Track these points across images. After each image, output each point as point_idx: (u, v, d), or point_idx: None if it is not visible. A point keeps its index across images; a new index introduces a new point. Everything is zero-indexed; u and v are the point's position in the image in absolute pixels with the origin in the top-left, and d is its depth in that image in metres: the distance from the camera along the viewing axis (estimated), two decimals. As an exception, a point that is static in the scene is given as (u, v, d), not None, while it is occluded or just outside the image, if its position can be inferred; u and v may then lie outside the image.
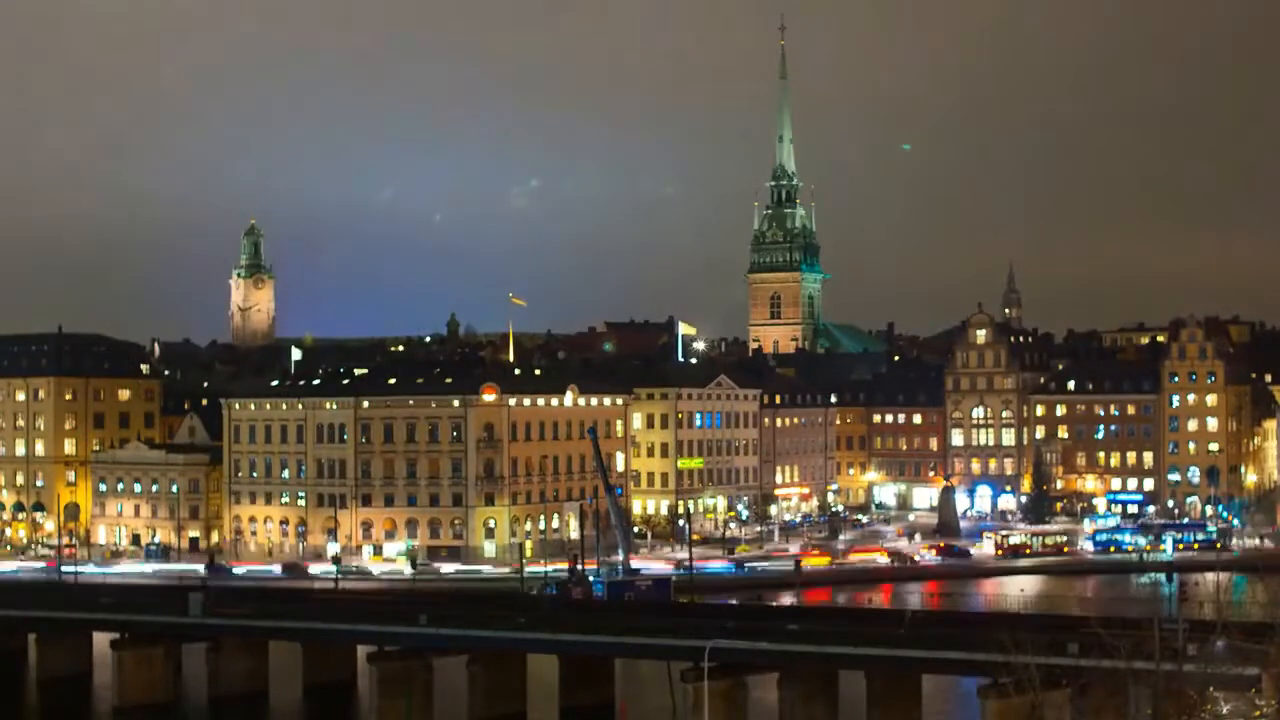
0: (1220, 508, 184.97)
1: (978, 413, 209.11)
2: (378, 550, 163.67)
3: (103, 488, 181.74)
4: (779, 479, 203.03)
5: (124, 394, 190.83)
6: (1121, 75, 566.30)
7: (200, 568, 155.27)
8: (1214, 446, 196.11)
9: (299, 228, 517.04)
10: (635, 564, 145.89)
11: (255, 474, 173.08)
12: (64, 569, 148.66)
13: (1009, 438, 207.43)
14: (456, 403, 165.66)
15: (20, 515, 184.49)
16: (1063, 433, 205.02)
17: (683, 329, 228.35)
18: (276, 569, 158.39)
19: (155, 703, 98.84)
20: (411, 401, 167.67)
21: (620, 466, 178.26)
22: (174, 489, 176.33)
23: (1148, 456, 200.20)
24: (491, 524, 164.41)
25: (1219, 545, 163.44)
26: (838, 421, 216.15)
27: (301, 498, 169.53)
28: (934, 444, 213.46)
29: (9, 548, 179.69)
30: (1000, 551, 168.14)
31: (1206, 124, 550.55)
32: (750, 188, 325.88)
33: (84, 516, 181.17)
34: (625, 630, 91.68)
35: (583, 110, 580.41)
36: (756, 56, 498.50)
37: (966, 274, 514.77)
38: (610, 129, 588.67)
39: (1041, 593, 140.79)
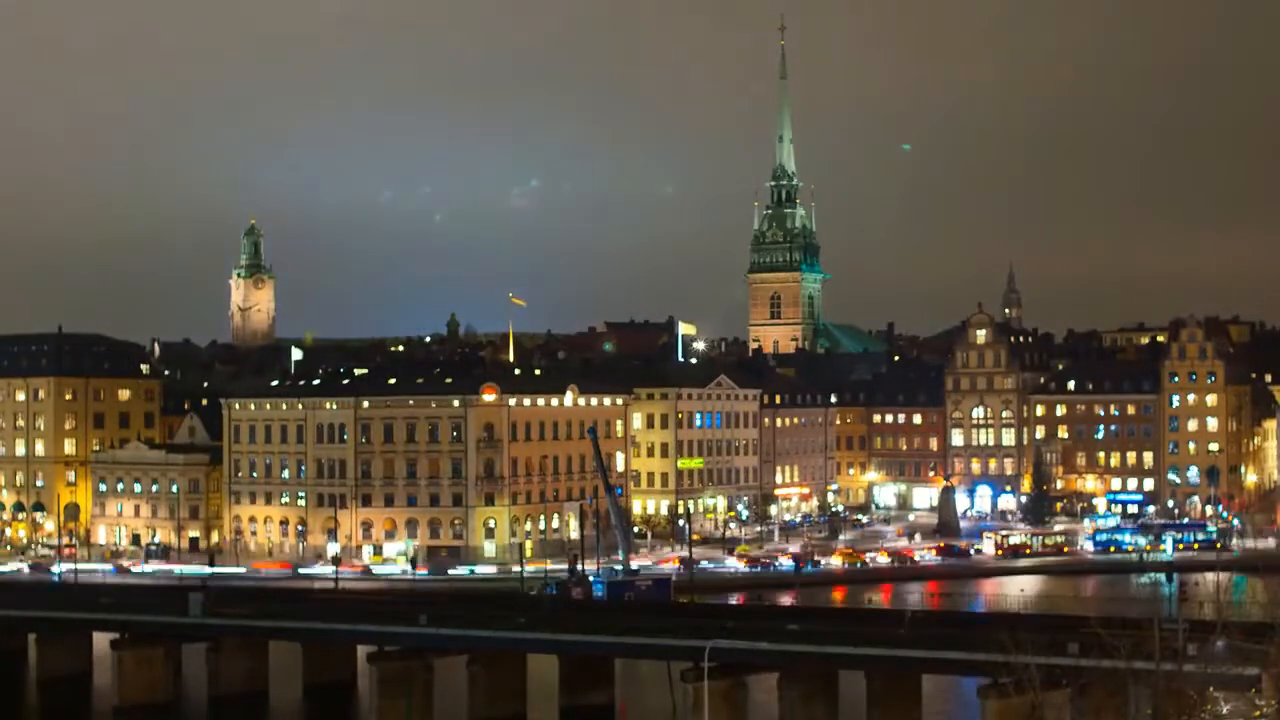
0: (1219, 508, 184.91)
1: (978, 413, 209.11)
2: (378, 550, 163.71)
3: (103, 488, 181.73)
4: (779, 479, 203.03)
5: (124, 394, 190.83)
6: (1122, 75, 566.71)
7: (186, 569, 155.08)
8: (1214, 446, 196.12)
9: (299, 228, 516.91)
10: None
11: (255, 474, 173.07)
12: (71, 569, 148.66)
13: (1009, 438, 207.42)
14: (456, 403, 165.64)
15: (20, 515, 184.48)
16: (1063, 433, 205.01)
17: (683, 329, 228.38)
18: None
19: (155, 703, 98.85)
20: (411, 401, 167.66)
21: (620, 466, 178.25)
22: (174, 489, 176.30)
23: (1148, 456, 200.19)
24: (491, 524, 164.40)
25: (1219, 545, 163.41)
26: (838, 421, 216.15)
27: (301, 498, 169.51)
28: (934, 444, 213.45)
29: (9, 548, 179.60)
30: (1000, 551, 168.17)
31: (1206, 124, 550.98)
32: (750, 188, 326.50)
33: (84, 516, 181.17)
34: (625, 630, 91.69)
35: (583, 110, 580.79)
36: (756, 56, 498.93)
37: (966, 274, 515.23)
38: (610, 129, 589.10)
39: (1041, 593, 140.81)
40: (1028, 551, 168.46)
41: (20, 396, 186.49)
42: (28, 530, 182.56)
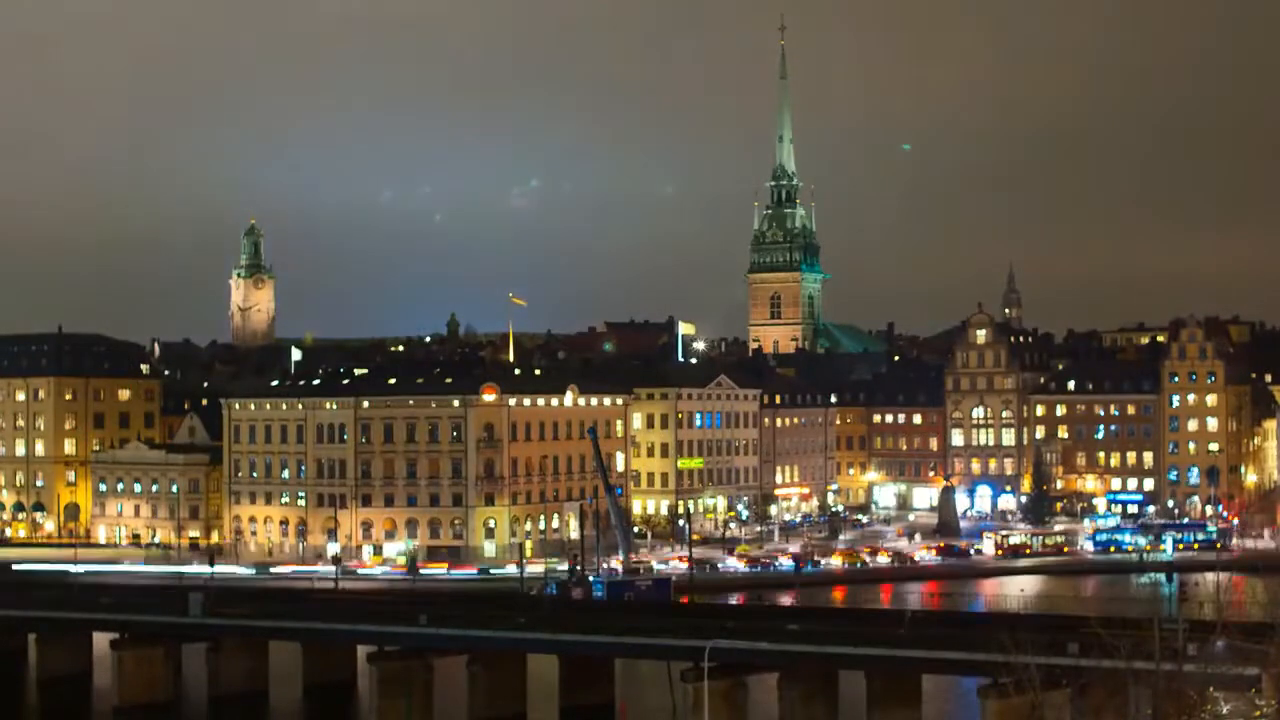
0: (1219, 508, 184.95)
1: (978, 413, 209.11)
2: (378, 550, 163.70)
3: (103, 488, 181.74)
4: (779, 479, 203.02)
5: (124, 394, 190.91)
6: (1122, 75, 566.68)
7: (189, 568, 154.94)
8: (1214, 446, 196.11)
9: (299, 228, 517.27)
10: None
11: (255, 474, 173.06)
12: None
13: (1009, 438, 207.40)
14: (456, 403, 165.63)
15: (20, 515, 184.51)
16: (1063, 433, 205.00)
17: (683, 329, 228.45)
18: None
19: (155, 703, 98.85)
20: (411, 401, 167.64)
21: (620, 466, 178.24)
22: (174, 489, 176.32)
23: (1148, 456, 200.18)
24: (491, 524, 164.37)
25: (1219, 545, 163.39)
26: (838, 421, 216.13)
27: (301, 498, 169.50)
28: (934, 444, 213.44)
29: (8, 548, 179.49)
30: (1000, 551, 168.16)
31: (1206, 124, 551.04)
32: (750, 188, 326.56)
33: (84, 516, 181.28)
34: (625, 630, 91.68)
35: (583, 110, 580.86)
36: (756, 56, 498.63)
37: (966, 274, 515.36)
38: (610, 129, 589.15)
39: (1041, 593, 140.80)
40: (1028, 551, 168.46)
41: (20, 396, 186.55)
42: (28, 530, 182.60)
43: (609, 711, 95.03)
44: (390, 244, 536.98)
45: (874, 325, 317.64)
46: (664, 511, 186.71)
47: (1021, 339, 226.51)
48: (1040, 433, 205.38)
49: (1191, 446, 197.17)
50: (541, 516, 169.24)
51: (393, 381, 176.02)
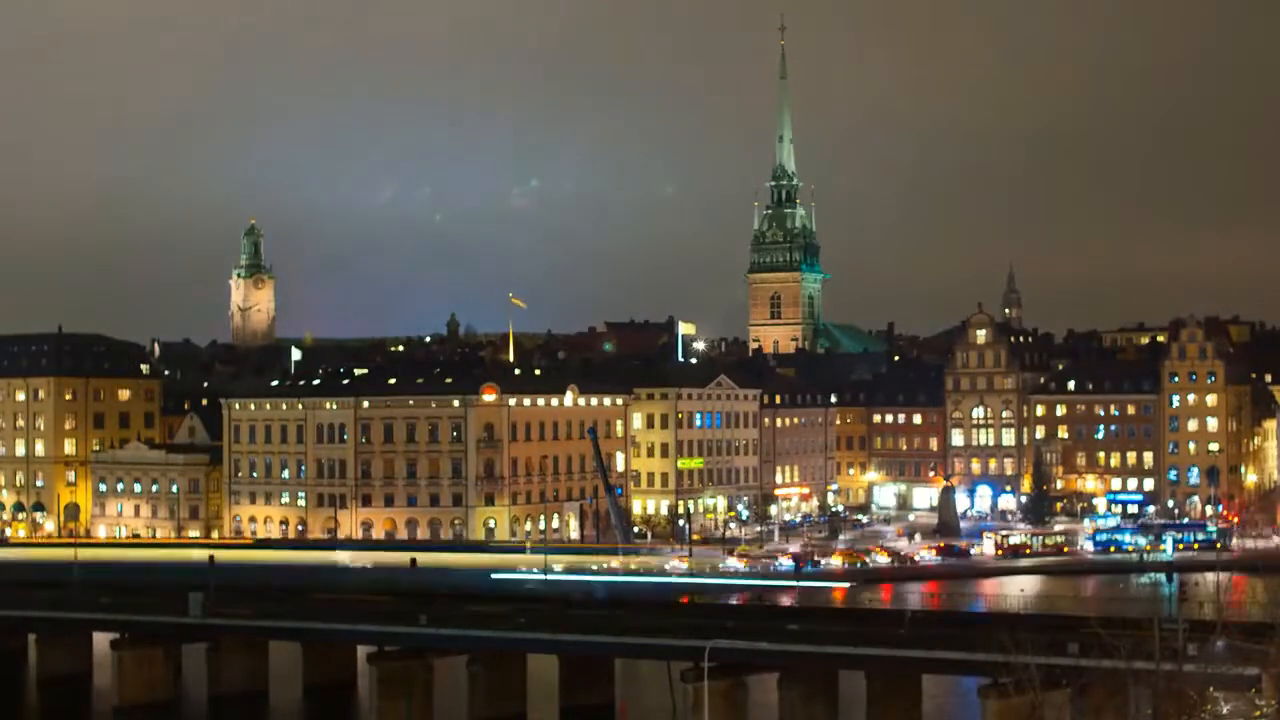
0: (1219, 508, 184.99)
1: (978, 413, 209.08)
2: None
3: (103, 488, 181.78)
4: (779, 479, 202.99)
5: (124, 394, 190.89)
6: (1122, 75, 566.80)
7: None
8: (1214, 446, 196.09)
9: (299, 228, 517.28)
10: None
11: (255, 474, 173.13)
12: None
13: (1009, 438, 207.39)
14: (456, 403, 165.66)
15: (20, 515, 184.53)
16: (1063, 433, 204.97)
17: (683, 329, 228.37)
18: None
19: (155, 702, 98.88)
20: (411, 401, 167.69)
21: (620, 466, 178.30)
22: (174, 489, 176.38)
23: (1148, 456, 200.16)
24: (491, 524, 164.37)
25: (1219, 545, 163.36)
26: (838, 421, 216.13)
27: (301, 498, 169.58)
28: (934, 444, 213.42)
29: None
30: (1000, 551, 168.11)
31: (1206, 124, 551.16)
32: (750, 188, 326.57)
33: (84, 516, 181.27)
34: (625, 630, 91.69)
35: (582, 110, 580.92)
36: (756, 56, 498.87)
37: (966, 274, 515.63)
38: (610, 129, 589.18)
39: (1041, 593, 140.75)
40: (1028, 551, 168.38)
41: (20, 396, 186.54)
42: (28, 530, 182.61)
43: (609, 711, 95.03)
44: (390, 244, 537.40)
45: (874, 325, 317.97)
46: (664, 511, 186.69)
47: (1021, 339, 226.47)
48: (1040, 433, 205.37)
49: (1191, 446, 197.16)
50: (541, 516, 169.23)
51: (393, 381, 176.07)
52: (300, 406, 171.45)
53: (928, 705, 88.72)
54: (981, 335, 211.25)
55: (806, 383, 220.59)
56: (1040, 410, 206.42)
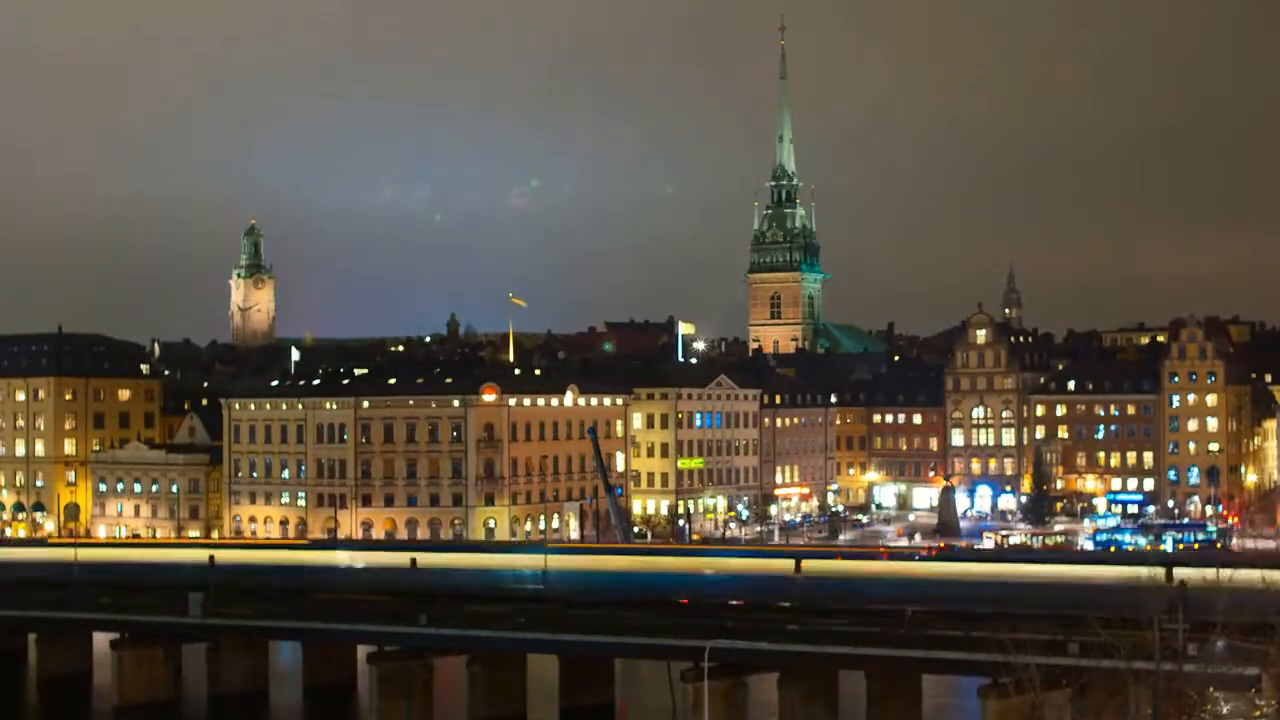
0: (1219, 508, 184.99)
1: (978, 413, 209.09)
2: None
3: (103, 488, 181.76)
4: (779, 479, 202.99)
5: (124, 394, 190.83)
6: (1122, 76, 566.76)
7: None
8: (1214, 446, 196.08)
9: (299, 228, 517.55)
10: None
11: (255, 474, 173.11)
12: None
13: (1009, 438, 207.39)
14: (456, 403, 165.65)
15: (20, 515, 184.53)
16: (1063, 433, 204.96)
17: (683, 329, 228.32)
18: None
19: (155, 702, 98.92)
20: (411, 401, 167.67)
21: (620, 466, 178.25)
22: (174, 489, 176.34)
23: (1148, 456, 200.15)
24: (491, 524, 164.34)
25: (1219, 545, 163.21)
26: (838, 421, 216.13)
27: (301, 498, 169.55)
28: (934, 444, 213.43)
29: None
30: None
31: (1206, 124, 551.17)
32: (750, 188, 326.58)
33: (84, 516, 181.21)
34: (625, 630, 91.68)
35: (583, 110, 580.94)
36: (756, 56, 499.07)
37: (966, 274, 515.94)
38: (610, 129, 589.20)
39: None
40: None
41: (20, 396, 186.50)
42: (28, 530, 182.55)
43: (609, 711, 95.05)
44: (390, 244, 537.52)
45: (874, 325, 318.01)
46: (664, 512, 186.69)
47: (1021, 339, 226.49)
48: (1040, 433, 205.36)
49: (1191, 446, 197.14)
50: (541, 516, 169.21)
51: (393, 381, 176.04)
52: (300, 406, 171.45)
53: (928, 705, 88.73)
54: (981, 335, 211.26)
55: (806, 383, 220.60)
56: (1040, 410, 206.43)
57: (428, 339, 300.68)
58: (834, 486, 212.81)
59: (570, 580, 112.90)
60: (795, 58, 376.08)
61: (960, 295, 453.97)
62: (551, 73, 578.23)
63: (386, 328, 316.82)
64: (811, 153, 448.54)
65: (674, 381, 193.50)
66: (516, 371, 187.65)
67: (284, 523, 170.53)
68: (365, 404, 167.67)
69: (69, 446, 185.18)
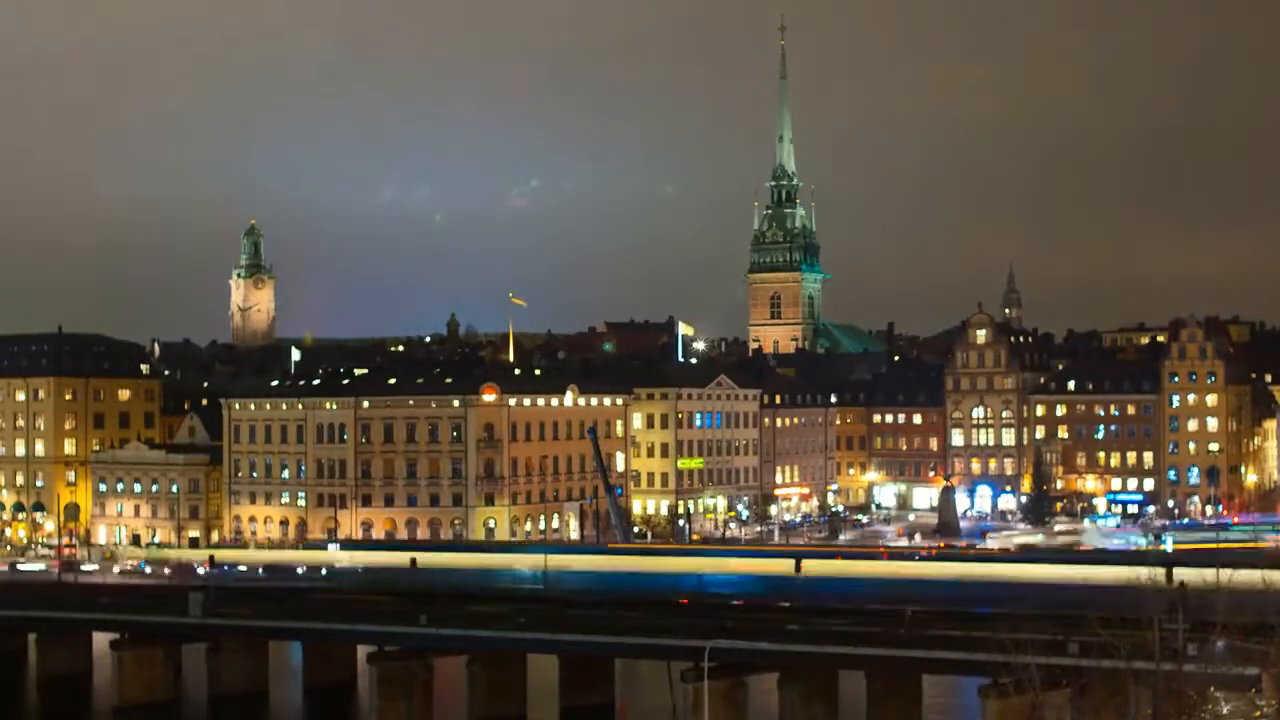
0: (1219, 508, 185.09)
1: (978, 413, 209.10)
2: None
3: (103, 488, 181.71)
4: (779, 479, 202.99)
5: (124, 394, 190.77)
6: (1122, 75, 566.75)
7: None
8: (1214, 446, 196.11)
9: (298, 228, 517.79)
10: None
11: (255, 474, 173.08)
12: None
13: (1009, 438, 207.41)
14: (456, 403, 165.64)
15: (20, 515, 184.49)
16: (1063, 433, 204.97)
17: (683, 329, 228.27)
18: None
19: (155, 702, 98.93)
20: (411, 401, 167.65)
21: (620, 466, 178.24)
22: (174, 489, 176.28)
23: (1148, 456, 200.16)
24: (491, 524, 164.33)
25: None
26: (838, 421, 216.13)
27: (301, 498, 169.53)
28: (934, 444, 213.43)
29: (9, 548, 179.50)
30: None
31: (1206, 124, 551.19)
32: (750, 188, 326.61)
33: (84, 516, 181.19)
34: (625, 630, 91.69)
35: (583, 110, 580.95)
36: (756, 56, 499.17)
37: (966, 274, 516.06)
38: (610, 129, 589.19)
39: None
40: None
41: (20, 396, 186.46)
42: (28, 530, 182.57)
43: (609, 711, 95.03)
44: (390, 244, 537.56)
45: (874, 325, 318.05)
46: (664, 512, 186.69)
47: (1021, 339, 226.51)
48: (1040, 433, 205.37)
49: (1191, 446, 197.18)
50: (541, 516, 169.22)
51: (393, 381, 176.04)
52: (300, 406, 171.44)
53: (928, 705, 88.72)
54: (981, 335, 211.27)
55: (806, 383, 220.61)
56: (1040, 410, 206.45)
57: (428, 339, 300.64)
58: (834, 486, 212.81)
59: (570, 580, 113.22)
60: (795, 58, 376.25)
61: (960, 295, 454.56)
62: (551, 73, 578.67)
63: (386, 328, 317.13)
64: (811, 153, 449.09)
65: (674, 381, 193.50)
66: (516, 371, 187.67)
67: (284, 523, 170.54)
68: (365, 404, 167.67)
69: (69, 446, 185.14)
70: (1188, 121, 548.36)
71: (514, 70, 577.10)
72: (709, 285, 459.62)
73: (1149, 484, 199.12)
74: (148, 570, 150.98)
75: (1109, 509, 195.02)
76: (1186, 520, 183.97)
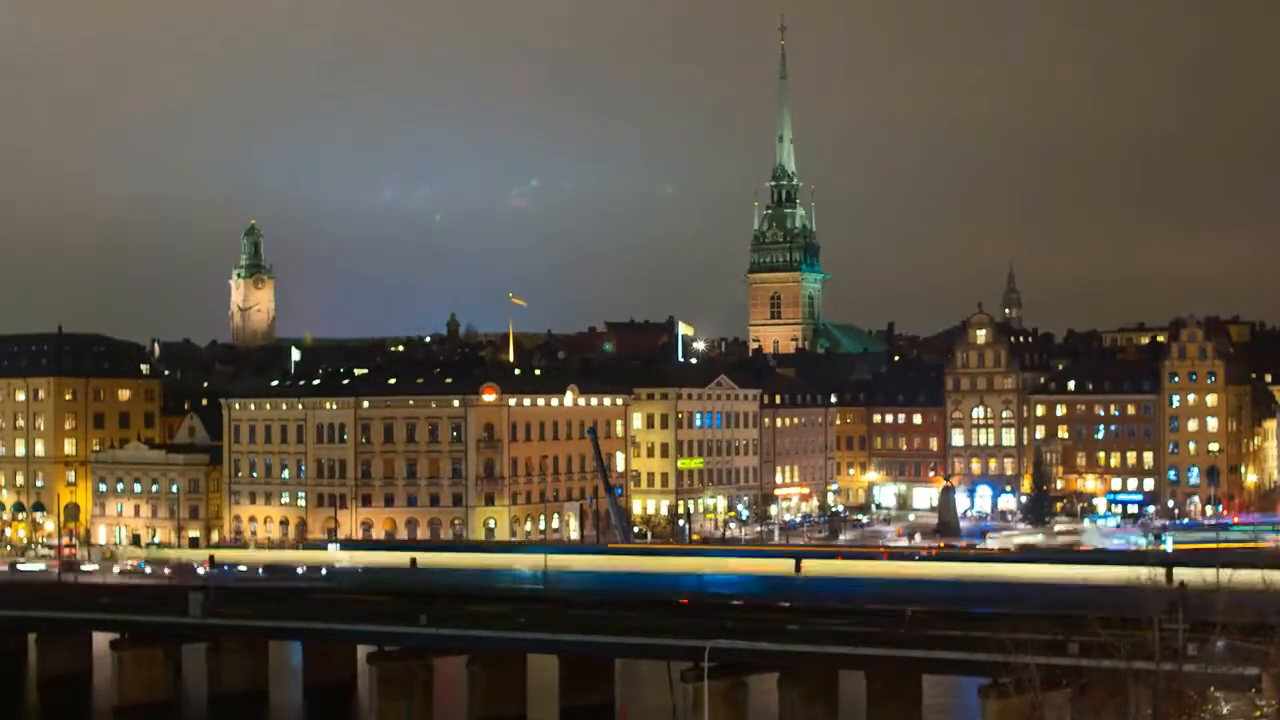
0: (1219, 508, 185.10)
1: (978, 413, 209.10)
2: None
3: (103, 488, 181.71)
4: (779, 479, 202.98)
5: (124, 394, 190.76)
6: (1122, 75, 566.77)
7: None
8: (1214, 446, 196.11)
9: (299, 228, 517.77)
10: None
11: (255, 474, 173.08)
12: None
13: (1009, 438, 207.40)
14: (456, 403, 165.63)
15: (20, 515, 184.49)
16: (1063, 433, 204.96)
17: (683, 329, 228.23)
18: None
19: (155, 702, 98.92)
20: (411, 401, 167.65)
21: (620, 466, 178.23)
22: (174, 489, 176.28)
23: (1148, 456, 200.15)
24: (491, 524, 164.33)
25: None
26: (838, 421, 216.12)
27: (301, 498, 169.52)
28: (934, 444, 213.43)
29: (9, 548, 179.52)
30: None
31: (1206, 124, 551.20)
32: (750, 188, 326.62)
33: (84, 517, 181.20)
34: (625, 630, 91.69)
35: (583, 110, 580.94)
36: (756, 56, 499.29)
37: (966, 274, 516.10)
38: (609, 129, 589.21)
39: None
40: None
41: (20, 396, 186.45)
42: (28, 530, 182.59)
43: (609, 711, 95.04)
44: (390, 244, 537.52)
45: (874, 325, 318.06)
46: (664, 512, 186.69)
47: (1021, 339, 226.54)
48: (1040, 433, 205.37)
49: (1191, 446, 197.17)
50: (541, 516, 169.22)
51: (393, 381, 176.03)
52: (300, 406, 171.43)
53: (928, 705, 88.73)
54: (981, 335, 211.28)
55: (806, 383, 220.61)
56: (1040, 410, 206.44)
57: (428, 339, 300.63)
58: (834, 486, 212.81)
59: (570, 580, 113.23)
60: (795, 58, 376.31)
61: (960, 295, 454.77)
62: (551, 73, 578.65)
63: (386, 328, 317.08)
64: (811, 153, 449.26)
65: (674, 381, 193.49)
66: (516, 371, 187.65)
67: (284, 523, 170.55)
68: (365, 404, 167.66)
69: (69, 446, 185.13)
70: (1188, 121, 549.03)
71: (514, 70, 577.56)
72: (709, 285, 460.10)
73: (1149, 484, 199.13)
74: (148, 570, 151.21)
75: (1109, 509, 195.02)
76: (1186, 520, 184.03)
